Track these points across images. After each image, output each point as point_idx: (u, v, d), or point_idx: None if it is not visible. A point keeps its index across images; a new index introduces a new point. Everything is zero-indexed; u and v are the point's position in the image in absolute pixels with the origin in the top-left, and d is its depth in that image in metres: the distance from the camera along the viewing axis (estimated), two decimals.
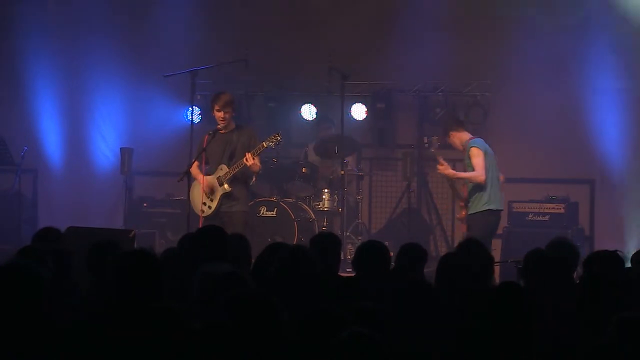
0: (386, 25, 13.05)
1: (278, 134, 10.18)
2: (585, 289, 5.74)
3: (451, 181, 10.51)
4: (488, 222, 10.21)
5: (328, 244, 6.78)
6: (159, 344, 4.01)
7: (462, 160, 10.75)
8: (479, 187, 10.14)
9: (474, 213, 10.18)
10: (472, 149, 10.14)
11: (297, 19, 13.46)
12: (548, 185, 12.46)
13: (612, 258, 6.24)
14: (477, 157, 10.11)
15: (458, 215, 10.43)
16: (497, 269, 9.28)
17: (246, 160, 9.95)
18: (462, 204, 10.30)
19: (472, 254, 6.50)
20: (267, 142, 10.09)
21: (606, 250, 6.58)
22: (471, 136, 10.38)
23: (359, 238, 12.41)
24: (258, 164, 10.17)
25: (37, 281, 4.45)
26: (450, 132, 10.38)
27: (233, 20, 13.53)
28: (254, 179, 10.57)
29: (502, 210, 10.50)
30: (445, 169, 10.14)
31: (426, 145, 13.34)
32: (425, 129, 13.42)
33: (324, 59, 12.34)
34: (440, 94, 13.25)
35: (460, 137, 10.34)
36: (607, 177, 12.75)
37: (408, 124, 13.71)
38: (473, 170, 10.14)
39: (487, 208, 10.17)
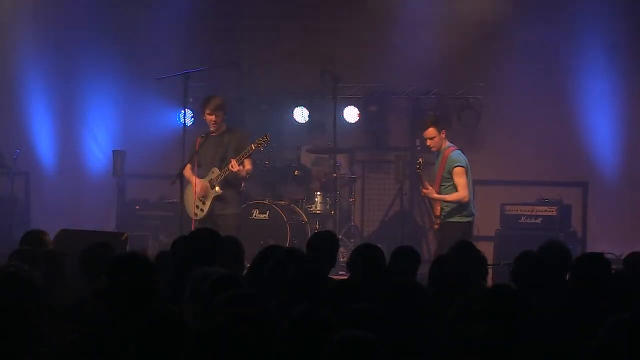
0: (379, 27, 13.06)
1: (266, 136, 10.16)
2: (573, 291, 5.77)
3: (431, 200, 10.42)
4: (468, 232, 10.15)
5: (327, 243, 6.81)
6: (157, 346, 4.02)
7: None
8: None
9: (452, 222, 10.07)
10: (457, 168, 10.02)
11: (289, 21, 13.47)
12: (540, 188, 12.48)
13: (598, 260, 6.23)
14: (462, 177, 10.03)
15: (435, 226, 10.39)
16: (490, 271, 9.30)
17: (231, 166, 9.94)
18: (437, 220, 10.25)
19: (465, 256, 6.51)
20: (255, 145, 10.08)
21: (592, 253, 6.60)
22: (451, 144, 10.24)
23: (352, 241, 12.42)
24: (247, 167, 10.12)
25: (29, 284, 4.45)
26: (443, 130, 10.26)
27: (226, 22, 13.53)
28: (242, 185, 10.46)
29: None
30: (431, 192, 10.09)
31: (418, 148, 13.35)
32: (418, 132, 13.42)
33: (316, 62, 12.35)
34: (433, 96, 13.26)
35: (443, 141, 10.22)
36: (599, 180, 12.76)
37: (401, 127, 13.72)
38: (453, 184, 10.05)
39: (466, 220, 10.13)
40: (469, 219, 10.14)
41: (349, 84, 12.90)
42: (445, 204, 10.07)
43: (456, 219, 10.07)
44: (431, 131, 10.19)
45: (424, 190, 10.11)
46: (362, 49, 13.19)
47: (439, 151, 10.19)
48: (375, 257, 6.37)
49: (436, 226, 10.28)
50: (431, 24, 12.77)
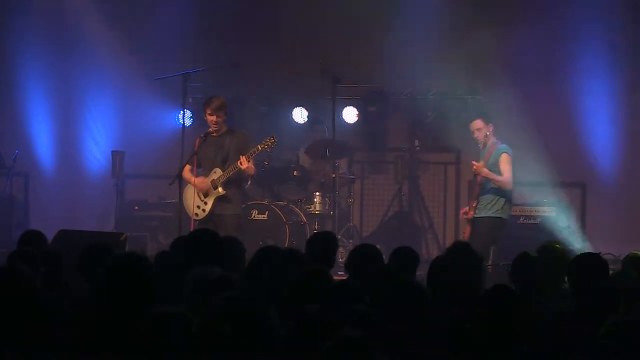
0: (378, 28, 13.06)
1: (273, 137, 10.12)
2: (571, 292, 5.77)
3: (477, 181, 10.34)
4: (497, 229, 10.12)
5: (326, 244, 6.81)
6: (155, 346, 4.02)
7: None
8: (498, 193, 10.01)
9: (485, 217, 10.06)
10: (505, 154, 10.02)
11: (289, 22, 13.47)
12: (539, 189, 12.47)
13: (595, 260, 6.24)
14: (509, 165, 10.02)
15: (466, 216, 10.32)
16: (488, 272, 9.29)
17: (240, 163, 9.90)
18: (474, 204, 10.18)
19: (461, 257, 6.50)
20: (262, 145, 10.04)
21: (590, 253, 6.60)
22: (498, 141, 10.22)
23: (351, 241, 12.42)
24: (253, 166, 10.12)
25: (28, 284, 4.45)
26: (490, 124, 10.20)
27: (225, 23, 13.53)
28: (249, 182, 10.53)
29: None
30: (480, 167, 10.02)
31: (417, 148, 13.36)
32: (417, 132, 13.44)
33: (315, 62, 12.35)
34: (431, 97, 13.27)
35: (490, 135, 10.18)
36: (598, 181, 12.76)
37: (400, 127, 13.74)
38: (499, 174, 10.03)
39: (499, 216, 10.06)
40: (502, 215, 10.08)
41: (348, 85, 12.89)
42: (482, 199, 10.03)
43: (493, 213, 10.02)
44: (478, 123, 10.18)
45: (475, 166, 10.05)
46: (361, 49, 13.19)
47: (484, 146, 10.15)
48: (373, 258, 6.37)
49: (467, 216, 10.18)
50: (431, 24, 12.76)
